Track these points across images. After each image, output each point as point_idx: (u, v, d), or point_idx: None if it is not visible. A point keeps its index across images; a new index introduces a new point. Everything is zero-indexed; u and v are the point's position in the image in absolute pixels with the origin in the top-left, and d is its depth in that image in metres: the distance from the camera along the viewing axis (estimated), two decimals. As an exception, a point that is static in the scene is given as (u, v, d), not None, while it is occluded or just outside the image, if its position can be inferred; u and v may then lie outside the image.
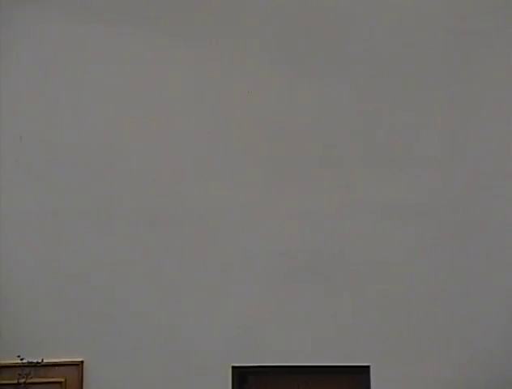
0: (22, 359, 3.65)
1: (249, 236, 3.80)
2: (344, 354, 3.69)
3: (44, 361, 3.69)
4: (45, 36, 4.01)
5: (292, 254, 3.76)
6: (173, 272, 3.81)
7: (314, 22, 3.92)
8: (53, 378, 3.72)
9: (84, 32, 4.00)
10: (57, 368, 3.73)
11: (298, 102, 3.87)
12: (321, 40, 3.90)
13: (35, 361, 3.67)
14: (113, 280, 3.83)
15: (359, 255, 3.74)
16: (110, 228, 3.87)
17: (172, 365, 3.75)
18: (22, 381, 3.63)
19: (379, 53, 3.86)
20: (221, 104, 3.91)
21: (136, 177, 3.90)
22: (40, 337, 3.79)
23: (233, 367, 3.73)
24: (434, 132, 3.80)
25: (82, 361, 3.76)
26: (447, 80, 3.82)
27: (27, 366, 3.65)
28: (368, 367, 3.66)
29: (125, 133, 3.93)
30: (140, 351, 3.77)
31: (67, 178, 3.92)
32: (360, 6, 3.90)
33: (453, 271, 3.69)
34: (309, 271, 3.74)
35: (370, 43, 3.87)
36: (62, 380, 3.74)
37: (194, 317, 3.77)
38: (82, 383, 3.74)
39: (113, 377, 3.77)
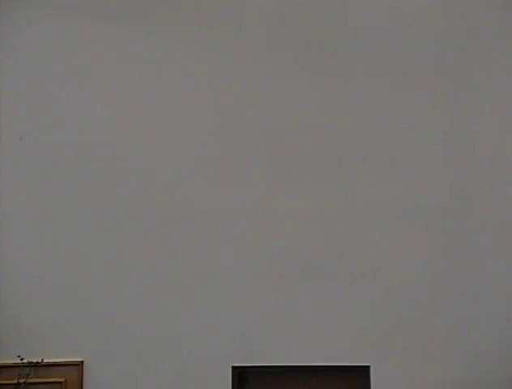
0: (22, 359, 3.64)
1: (249, 236, 3.80)
2: (344, 354, 3.69)
3: (44, 361, 3.68)
4: (45, 36, 4.00)
5: (291, 253, 3.76)
6: (173, 272, 3.81)
7: (314, 22, 3.92)
8: (53, 378, 3.72)
9: (84, 32, 3.99)
10: (57, 368, 3.73)
11: (298, 102, 3.88)
12: (321, 40, 3.90)
13: (35, 361, 3.66)
14: (112, 280, 3.83)
15: (359, 255, 3.74)
16: (110, 228, 3.87)
17: (172, 365, 3.75)
18: (22, 381, 3.63)
19: (379, 53, 3.87)
20: (221, 104, 3.91)
21: (136, 177, 3.90)
22: (40, 337, 3.78)
23: (233, 367, 3.73)
24: (434, 132, 3.80)
25: (82, 361, 3.76)
26: (447, 80, 3.83)
27: (27, 366, 3.64)
28: (368, 367, 3.67)
29: (125, 133, 3.93)
30: (140, 351, 3.77)
31: (67, 178, 3.91)
32: (359, 7, 3.90)
33: (453, 272, 3.70)
34: (309, 271, 3.74)
35: (370, 43, 3.87)
36: (62, 380, 3.73)
37: (194, 317, 3.77)
38: (82, 383, 3.74)
39: (113, 377, 3.77)
